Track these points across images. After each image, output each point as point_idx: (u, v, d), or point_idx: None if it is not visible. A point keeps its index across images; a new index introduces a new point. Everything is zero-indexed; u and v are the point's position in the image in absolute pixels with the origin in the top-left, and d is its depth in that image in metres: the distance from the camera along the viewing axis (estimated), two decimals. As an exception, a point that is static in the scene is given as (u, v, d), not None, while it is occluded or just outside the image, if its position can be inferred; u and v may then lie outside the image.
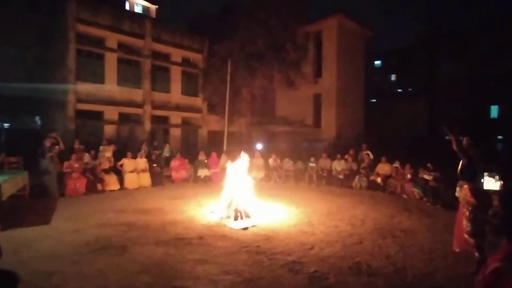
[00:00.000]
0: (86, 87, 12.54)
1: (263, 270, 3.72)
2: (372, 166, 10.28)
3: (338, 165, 10.71)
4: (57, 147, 7.96)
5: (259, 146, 12.78)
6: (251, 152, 12.40)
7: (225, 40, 14.98)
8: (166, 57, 15.29)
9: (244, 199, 6.22)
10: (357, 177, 10.07)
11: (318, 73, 18.14)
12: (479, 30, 23.64)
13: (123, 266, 3.74)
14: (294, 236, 5.11)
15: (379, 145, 15.51)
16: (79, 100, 12.36)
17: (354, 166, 10.53)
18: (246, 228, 5.48)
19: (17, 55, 13.41)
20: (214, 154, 11.51)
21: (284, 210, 6.96)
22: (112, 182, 9.24)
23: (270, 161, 11.53)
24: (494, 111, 25.08)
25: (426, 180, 8.05)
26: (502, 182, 4.07)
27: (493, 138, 22.52)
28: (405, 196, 8.63)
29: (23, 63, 13.66)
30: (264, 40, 14.54)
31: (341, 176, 10.44)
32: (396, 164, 9.35)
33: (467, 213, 3.85)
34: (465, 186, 3.94)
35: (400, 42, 69.46)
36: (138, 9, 29.01)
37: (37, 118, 18.95)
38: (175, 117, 15.60)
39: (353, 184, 10.05)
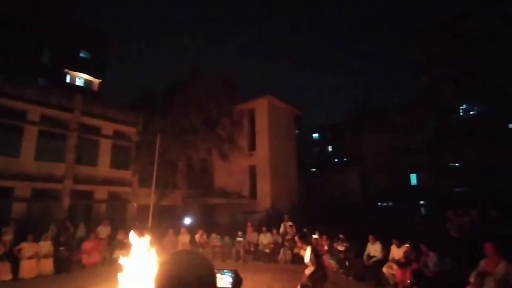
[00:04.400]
0: (-5, 161, 11.47)
1: None
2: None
3: (265, 239, 10.64)
4: None
5: (187, 221, 12.32)
6: (178, 228, 11.90)
7: (160, 115, 15.43)
8: (96, 130, 14.99)
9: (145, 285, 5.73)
10: (282, 250, 10.03)
11: (252, 146, 19.14)
12: (397, 110, 27.63)
13: None
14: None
15: (317, 214, 16.04)
16: (-16, 176, 11.12)
17: (279, 239, 10.55)
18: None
19: None
20: (136, 232, 10.70)
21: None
22: (3, 271, 7.92)
23: (197, 237, 11.09)
24: (413, 178, 27.99)
25: (340, 251, 8.33)
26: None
27: (417, 203, 24.80)
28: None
29: None
30: (198, 116, 15.28)
31: (267, 250, 10.30)
32: (316, 235, 9.60)
33: None
34: None
35: (336, 116, 78.17)
36: (79, 82, 29.15)
37: None
38: (101, 192, 14.63)
39: (279, 258, 9.94)
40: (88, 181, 14.17)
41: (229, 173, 19.15)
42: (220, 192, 19.17)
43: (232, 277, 1.54)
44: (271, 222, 14.34)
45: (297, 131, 38.03)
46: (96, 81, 29.81)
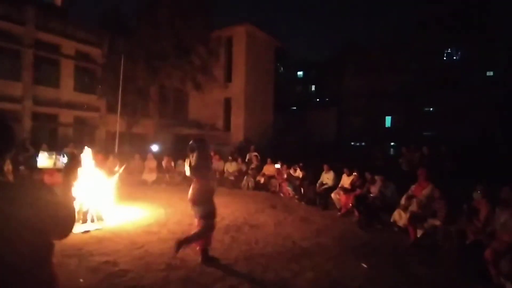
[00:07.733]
0: None
1: (67, 271, 3.47)
2: (260, 168, 10.76)
3: (230, 167, 10.94)
4: None
5: (154, 148, 12.37)
6: (145, 154, 11.94)
7: (127, 36, 14.23)
8: (55, 48, 13.75)
9: (97, 201, 5.87)
10: (245, 177, 10.40)
11: (228, 77, 18.46)
12: (380, 50, 26.88)
13: None
14: (133, 237, 4.93)
15: (292, 149, 16.41)
16: None
17: (244, 168, 10.87)
18: (87, 231, 5.12)
19: None
20: (100, 156, 10.67)
21: (149, 212, 6.74)
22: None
23: (163, 163, 11.21)
24: (388, 121, 28.73)
25: (297, 178, 8.70)
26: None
27: (387, 145, 25.81)
28: (282, 194, 9.19)
29: None
30: (168, 40, 14.18)
31: (232, 178, 10.66)
32: (278, 165, 9.91)
33: None
34: None
35: (322, 55, 75.54)
36: (39, -5, 25.79)
37: None
38: (66, 116, 14.09)
39: (242, 184, 10.35)
40: (51, 104, 13.50)
41: (204, 105, 18.76)
42: (193, 123, 19.01)
43: (67, 158, 1.48)
44: (242, 154, 14.61)
45: (281, 68, 36.78)
46: (59, -6, 26.47)
